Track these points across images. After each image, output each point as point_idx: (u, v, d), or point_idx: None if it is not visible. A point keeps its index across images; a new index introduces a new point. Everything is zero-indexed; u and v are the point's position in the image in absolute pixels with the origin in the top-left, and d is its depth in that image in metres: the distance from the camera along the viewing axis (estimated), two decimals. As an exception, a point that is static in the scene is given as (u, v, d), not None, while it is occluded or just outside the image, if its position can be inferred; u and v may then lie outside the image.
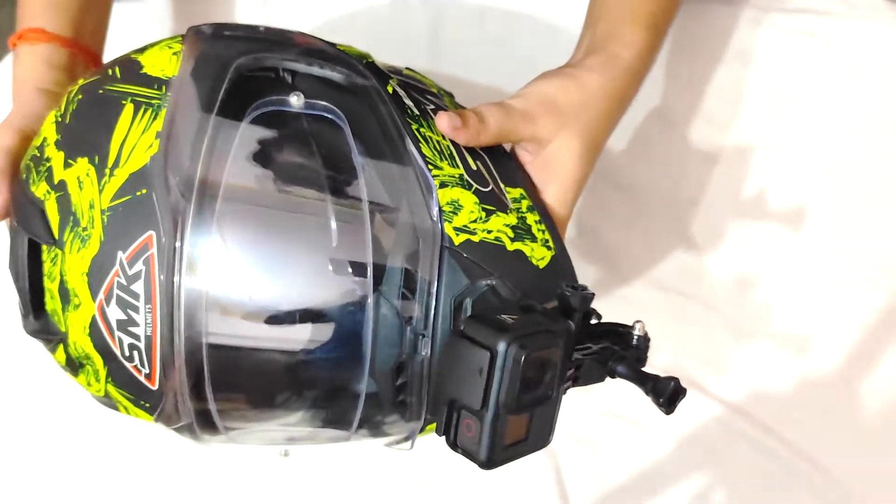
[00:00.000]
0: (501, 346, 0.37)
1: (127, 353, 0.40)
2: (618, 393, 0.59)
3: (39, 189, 0.41)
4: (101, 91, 0.42)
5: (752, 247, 0.63)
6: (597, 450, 0.58)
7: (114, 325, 0.40)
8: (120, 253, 0.39)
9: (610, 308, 0.59)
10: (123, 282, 0.39)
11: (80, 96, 0.43)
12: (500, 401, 0.37)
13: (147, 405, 0.42)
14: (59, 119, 0.43)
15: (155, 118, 0.40)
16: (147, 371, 0.40)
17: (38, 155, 0.43)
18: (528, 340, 0.37)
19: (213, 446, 0.45)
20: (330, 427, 0.46)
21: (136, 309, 0.39)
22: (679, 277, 0.62)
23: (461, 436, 0.39)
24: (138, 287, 0.39)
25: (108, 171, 0.40)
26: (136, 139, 0.40)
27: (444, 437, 0.40)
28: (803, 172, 0.63)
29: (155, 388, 0.41)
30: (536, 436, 0.41)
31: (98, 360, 0.41)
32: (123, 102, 0.41)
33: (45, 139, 0.43)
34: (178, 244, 0.39)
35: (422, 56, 0.67)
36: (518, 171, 0.49)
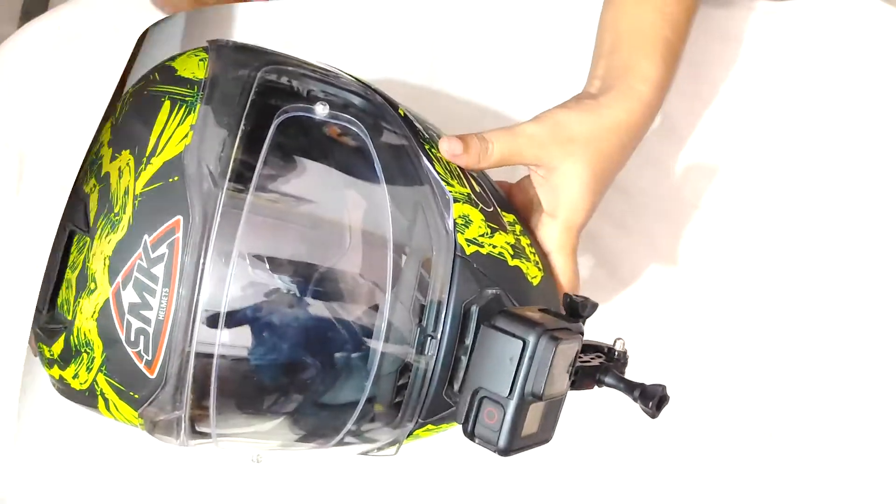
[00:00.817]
0: (533, 337, 0.40)
1: (132, 339, 0.42)
2: (593, 402, 0.60)
3: (88, 185, 0.44)
4: (145, 93, 0.45)
5: (752, 252, 0.64)
6: (573, 459, 0.60)
7: (125, 308, 0.42)
8: (145, 236, 0.42)
9: (609, 313, 0.60)
10: (144, 265, 0.42)
11: (130, 99, 0.46)
12: (525, 388, 0.40)
13: (136, 396, 0.43)
14: (114, 123, 0.46)
15: (189, 113, 0.43)
16: (149, 358, 0.42)
17: (94, 158, 0.45)
18: (558, 333, 0.40)
19: (191, 449, 0.47)
20: (326, 428, 0.48)
21: (152, 292, 0.42)
22: (679, 283, 0.63)
23: (481, 424, 0.42)
24: (158, 270, 0.41)
25: (145, 159, 0.43)
26: (171, 131, 0.43)
27: (462, 427, 0.42)
28: (803, 178, 0.64)
29: (153, 376, 0.42)
30: (543, 429, 0.43)
31: (98, 346, 0.43)
32: (162, 100, 0.44)
33: (100, 142, 0.46)
34: (206, 227, 0.41)
35: (424, 75, 0.68)
36: (510, 199, 0.53)
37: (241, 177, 0.43)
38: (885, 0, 0.68)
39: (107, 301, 0.42)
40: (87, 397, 0.46)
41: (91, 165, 0.44)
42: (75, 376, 0.45)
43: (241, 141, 0.43)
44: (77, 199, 0.45)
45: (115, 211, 0.43)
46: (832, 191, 0.64)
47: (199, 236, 0.42)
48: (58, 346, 0.45)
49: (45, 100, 0.70)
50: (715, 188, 0.64)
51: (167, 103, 0.45)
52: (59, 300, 0.45)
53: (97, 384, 0.45)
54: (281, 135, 0.44)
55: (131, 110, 0.47)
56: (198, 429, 0.44)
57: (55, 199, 0.68)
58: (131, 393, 0.44)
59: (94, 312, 0.43)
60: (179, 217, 0.42)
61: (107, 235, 0.43)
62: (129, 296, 0.42)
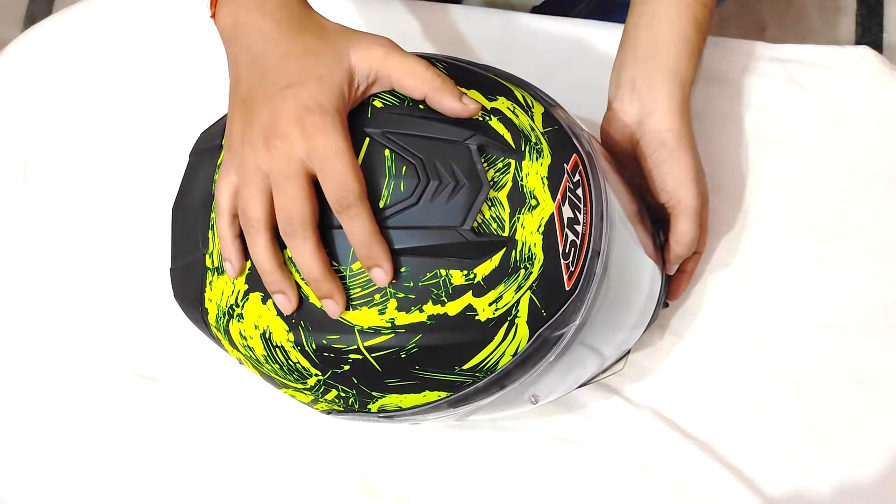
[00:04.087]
0: None
1: (566, 250, 0.45)
2: (574, 418, 0.61)
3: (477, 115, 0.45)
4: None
5: (729, 286, 0.64)
6: (551, 476, 0.59)
7: (565, 222, 0.45)
8: (564, 164, 0.46)
9: None
10: (571, 186, 0.46)
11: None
12: None
13: (545, 314, 0.45)
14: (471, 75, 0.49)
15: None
16: (573, 269, 0.45)
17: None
18: None
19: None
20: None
21: (579, 210, 0.46)
22: (662, 313, 0.64)
23: None
24: (580, 192, 0.46)
25: (526, 106, 0.47)
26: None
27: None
28: (784, 220, 0.64)
29: (568, 288, 0.45)
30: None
31: (539, 260, 0.44)
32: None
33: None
34: (596, 164, 0.48)
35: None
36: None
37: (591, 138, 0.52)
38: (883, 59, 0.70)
39: (552, 215, 0.44)
40: (486, 329, 0.44)
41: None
42: (495, 301, 0.43)
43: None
44: (480, 124, 0.44)
45: (534, 140, 0.45)
46: (813, 232, 0.65)
47: (595, 170, 0.48)
48: (487, 267, 0.43)
49: (48, 102, 0.72)
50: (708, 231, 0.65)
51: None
52: (478, 221, 0.43)
53: (517, 306, 0.44)
54: None
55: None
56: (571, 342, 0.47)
57: (56, 196, 0.70)
58: (542, 311, 0.45)
59: (540, 226, 0.44)
60: (576, 155, 0.47)
61: (537, 159, 0.45)
62: (567, 211, 0.45)
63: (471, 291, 0.43)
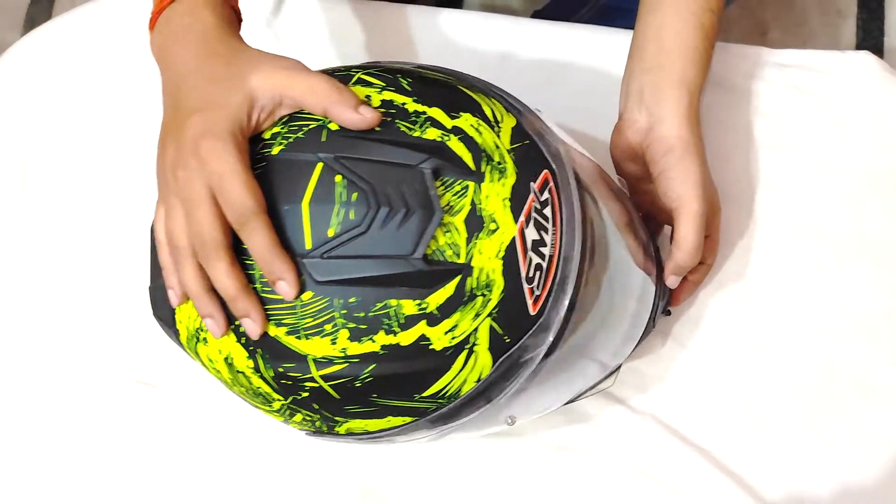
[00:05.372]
0: None
1: (531, 274, 0.43)
2: (576, 426, 0.61)
3: (429, 134, 0.43)
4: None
5: (730, 292, 0.64)
6: (553, 483, 0.59)
7: (529, 244, 0.43)
8: (531, 183, 0.44)
9: None
10: (538, 206, 0.44)
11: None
12: None
13: (508, 340, 0.44)
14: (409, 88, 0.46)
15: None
16: (538, 293, 0.44)
17: (396, 111, 0.44)
18: None
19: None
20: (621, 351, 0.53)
21: (546, 230, 0.44)
22: (658, 316, 0.64)
23: None
24: (548, 211, 0.45)
25: (493, 123, 0.46)
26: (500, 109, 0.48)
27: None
28: (785, 225, 0.64)
29: (534, 313, 0.44)
30: None
31: (499, 286, 0.42)
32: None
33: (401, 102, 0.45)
34: (569, 179, 0.46)
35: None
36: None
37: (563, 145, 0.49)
38: (884, 65, 0.70)
39: (513, 239, 0.43)
40: (443, 358, 0.43)
41: (400, 116, 0.44)
42: (451, 329, 0.42)
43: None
44: (438, 146, 0.43)
45: (497, 159, 0.44)
46: (813, 238, 0.65)
47: (567, 186, 0.46)
48: (441, 296, 0.42)
49: (48, 105, 0.72)
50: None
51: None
52: (432, 248, 0.41)
53: (475, 334, 0.43)
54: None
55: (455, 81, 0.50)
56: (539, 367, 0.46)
57: (56, 200, 0.70)
58: (505, 338, 0.43)
59: (500, 251, 0.42)
60: (547, 170, 0.45)
61: (499, 179, 0.43)
62: (531, 233, 0.43)
63: (424, 321, 0.42)
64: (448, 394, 0.44)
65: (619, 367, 0.54)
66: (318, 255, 0.41)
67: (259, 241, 0.41)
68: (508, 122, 0.46)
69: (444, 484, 0.60)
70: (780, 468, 0.59)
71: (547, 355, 0.45)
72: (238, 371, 0.45)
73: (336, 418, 0.45)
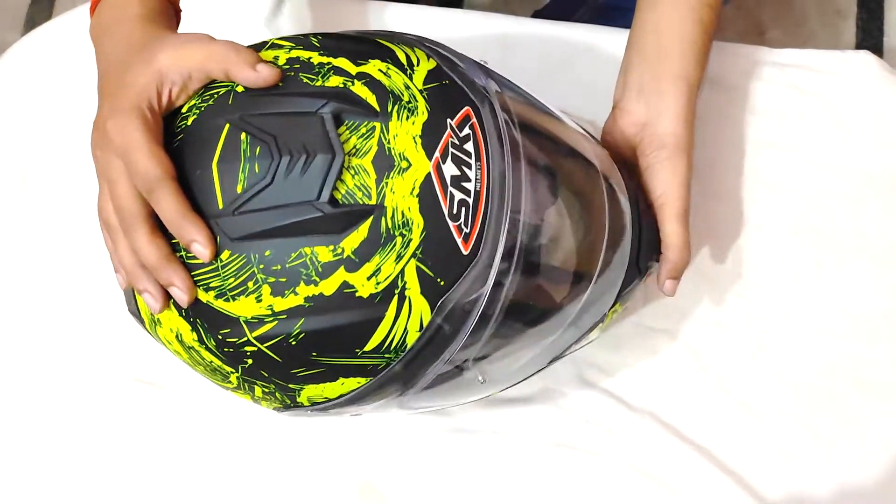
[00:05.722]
0: None
1: (455, 211, 0.42)
2: (573, 423, 0.61)
3: (331, 81, 0.43)
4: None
5: (729, 291, 0.64)
6: (551, 481, 0.59)
7: (448, 180, 0.42)
8: (448, 119, 0.43)
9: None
10: (456, 142, 0.43)
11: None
12: None
13: (442, 283, 0.42)
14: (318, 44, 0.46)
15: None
16: (467, 231, 0.42)
17: (300, 66, 0.44)
18: None
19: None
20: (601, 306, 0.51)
21: (468, 165, 0.43)
22: (657, 313, 0.63)
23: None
24: (469, 147, 0.43)
25: (406, 67, 0.45)
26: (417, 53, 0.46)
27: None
28: (784, 224, 0.64)
29: (466, 252, 0.42)
30: None
31: (418, 225, 0.41)
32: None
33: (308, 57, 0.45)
34: (498, 115, 0.45)
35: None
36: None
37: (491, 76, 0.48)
38: (883, 63, 0.70)
39: (428, 175, 0.42)
40: (372, 306, 0.42)
41: (304, 69, 0.44)
42: (374, 274, 0.41)
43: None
44: (340, 91, 0.43)
45: (406, 99, 0.43)
46: (811, 236, 0.65)
47: (491, 123, 0.44)
48: (355, 239, 0.41)
49: (48, 105, 0.72)
50: (707, 237, 0.65)
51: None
52: (341, 192, 0.41)
53: (401, 277, 0.41)
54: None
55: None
56: (488, 312, 0.44)
57: (56, 200, 0.70)
58: (438, 280, 0.42)
59: (414, 188, 0.41)
60: (468, 107, 0.44)
61: (408, 117, 0.42)
62: (450, 168, 0.42)
63: (343, 267, 0.41)
64: (392, 346, 0.43)
65: (604, 318, 0.52)
66: (230, 213, 0.41)
67: (166, 205, 0.41)
68: (425, 66, 0.46)
69: (443, 481, 0.60)
70: (780, 467, 0.59)
71: (494, 300, 0.43)
72: (189, 347, 0.45)
73: (290, 385, 0.45)
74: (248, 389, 0.46)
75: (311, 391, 0.45)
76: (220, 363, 0.44)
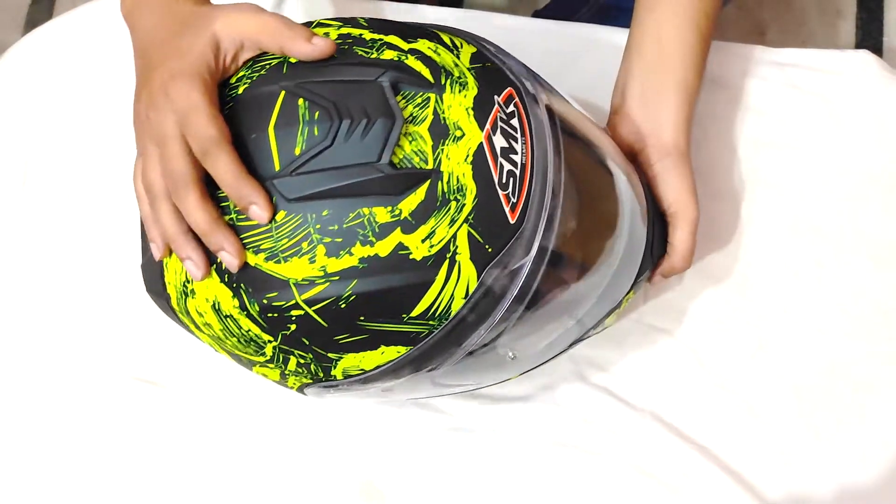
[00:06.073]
0: None
1: (504, 181, 0.43)
2: (574, 422, 0.61)
3: (385, 55, 0.44)
4: None
5: (730, 290, 0.64)
6: (551, 480, 0.59)
7: (498, 151, 0.43)
8: (496, 96, 0.45)
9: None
10: (504, 116, 0.44)
11: None
12: None
13: (490, 250, 0.43)
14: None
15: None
16: (514, 200, 0.43)
17: (353, 40, 0.46)
18: None
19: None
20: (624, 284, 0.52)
21: (515, 140, 0.44)
22: (658, 312, 0.63)
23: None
24: (515, 122, 0.45)
25: (452, 48, 0.47)
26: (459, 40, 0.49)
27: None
28: (784, 224, 0.64)
29: (513, 221, 0.43)
30: None
31: (471, 191, 0.42)
32: None
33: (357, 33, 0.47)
34: (537, 97, 0.47)
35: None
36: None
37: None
38: (882, 61, 0.70)
39: (480, 144, 0.43)
40: (424, 269, 0.42)
41: (359, 45, 0.45)
42: (428, 237, 0.42)
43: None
44: (396, 63, 0.44)
45: (457, 75, 0.44)
46: (811, 234, 0.65)
47: (531, 104, 0.46)
48: (412, 201, 0.42)
49: (48, 105, 0.72)
50: (707, 236, 0.65)
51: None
52: (399, 156, 0.42)
53: (454, 241, 0.42)
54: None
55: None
56: (530, 281, 0.45)
57: (56, 199, 0.70)
58: (487, 246, 0.43)
59: (468, 156, 0.43)
60: (511, 88, 0.46)
61: (460, 91, 0.44)
62: (499, 140, 0.43)
63: (399, 228, 0.42)
64: (437, 312, 0.43)
65: (620, 304, 0.53)
66: (287, 174, 0.42)
67: (223, 167, 0.41)
68: (468, 49, 0.47)
69: (444, 481, 0.60)
70: (780, 466, 0.59)
71: (536, 269, 0.44)
72: (226, 316, 0.45)
73: (329, 354, 0.45)
74: (282, 362, 0.46)
75: (348, 361, 0.45)
76: (258, 331, 0.44)
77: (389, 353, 0.45)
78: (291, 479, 0.60)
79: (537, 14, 0.91)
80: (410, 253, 0.42)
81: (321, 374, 0.47)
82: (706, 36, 0.58)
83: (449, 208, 0.42)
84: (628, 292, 0.53)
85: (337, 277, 0.42)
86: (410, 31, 0.47)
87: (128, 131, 0.69)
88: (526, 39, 0.70)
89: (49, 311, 0.65)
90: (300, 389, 0.49)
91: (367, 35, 0.45)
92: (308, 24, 0.47)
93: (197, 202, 0.42)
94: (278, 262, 0.42)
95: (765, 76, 0.68)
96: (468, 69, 0.45)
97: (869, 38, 1.25)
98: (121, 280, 0.64)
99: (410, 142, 0.42)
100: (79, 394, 0.63)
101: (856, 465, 0.59)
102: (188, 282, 0.45)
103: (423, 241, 0.42)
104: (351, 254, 0.42)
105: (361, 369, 0.46)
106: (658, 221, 0.55)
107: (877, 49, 1.24)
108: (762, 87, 0.68)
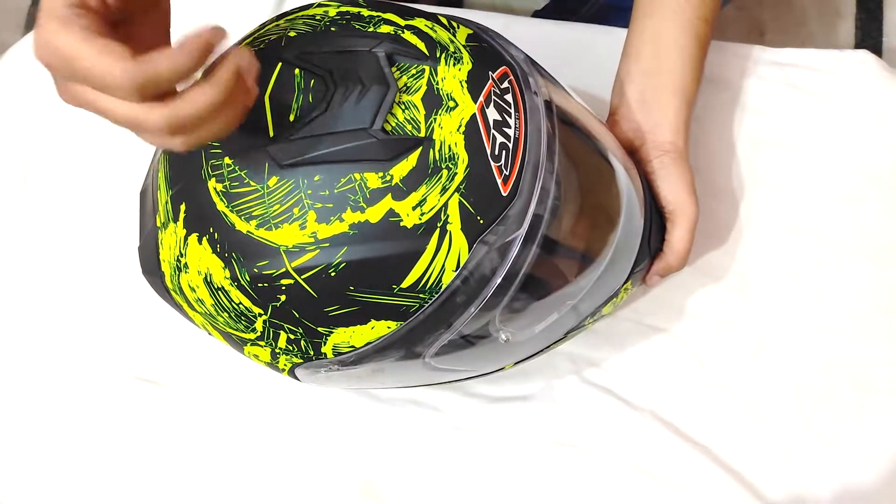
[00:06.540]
0: None
1: (496, 153, 0.44)
2: (573, 422, 0.61)
3: (382, 28, 0.45)
4: None
5: (729, 290, 0.64)
6: (551, 479, 0.60)
7: (490, 123, 0.44)
8: (490, 72, 0.46)
9: (584, 337, 0.61)
10: (497, 91, 0.45)
11: None
12: None
13: (481, 221, 0.43)
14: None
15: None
16: (507, 173, 0.44)
17: (351, 16, 0.46)
18: None
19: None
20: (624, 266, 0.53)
21: (509, 114, 0.45)
22: (657, 311, 0.64)
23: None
24: (509, 98, 0.45)
25: (448, 27, 0.48)
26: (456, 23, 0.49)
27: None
28: (783, 223, 0.65)
29: (505, 193, 0.44)
30: None
31: (463, 160, 0.43)
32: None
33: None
34: (530, 78, 0.47)
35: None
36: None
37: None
38: (882, 62, 0.70)
39: (473, 115, 0.43)
40: (414, 237, 0.42)
41: (356, 19, 0.46)
42: (419, 204, 0.42)
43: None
44: (392, 36, 0.45)
45: (452, 50, 0.45)
46: (810, 233, 0.65)
47: (525, 83, 0.47)
48: (404, 168, 0.42)
49: (49, 105, 0.72)
50: (707, 236, 0.65)
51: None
52: (392, 123, 0.42)
53: (445, 210, 0.43)
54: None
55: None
56: (522, 255, 0.45)
57: (57, 199, 0.70)
58: (478, 217, 0.43)
59: (461, 126, 0.43)
60: (505, 66, 0.46)
61: (455, 64, 0.45)
62: (493, 113, 0.44)
63: (390, 195, 0.42)
64: (428, 284, 0.43)
65: (617, 294, 0.53)
66: (281, 140, 0.42)
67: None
68: (465, 30, 0.48)
69: (444, 480, 0.60)
70: (780, 465, 0.59)
71: (528, 243, 0.44)
72: (217, 288, 0.44)
73: (319, 329, 0.45)
74: (272, 339, 0.46)
75: (338, 336, 0.45)
76: (249, 304, 0.44)
77: (380, 329, 0.45)
78: (291, 478, 0.60)
79: (537, 14, 0.91)
80: (401, 220, 0.42)
81: (311, 352, 0.46)
82: (704, 41, 0.58)
83: (440, 176, 0.42)
84: (626, 282, 0.53)
85: (327, 244, 0.42)
86: (408, 10, 0.48)
87: (127, 132, 0.69)
88: (526, 39, 0.70)
89: (50, 311, 0.65)
90: (292, 372, 0.49)
91: (366, 12, 0.46)
92: (309, 6, 0.48)
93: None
94: (269, 228, 0.42)
95: (764, 76, 0.68)
96: (464, 46, 0.46)
97: (868, 38, 1.25)
98: (121, 279, 0.64)
99: (403, 110, 0.43)
100: (79, 393, 0.63)
101: (856, 464, 0.60)
102: (182, 255, 0.45)
103: (413, 208, 0.42)
104: (342, 220, 0.42)
105: (352, 346, 0.46)
106: (655, 214, 0.55)
107: (876, 49, 1.24)
108: (761, 87, 0.68)
